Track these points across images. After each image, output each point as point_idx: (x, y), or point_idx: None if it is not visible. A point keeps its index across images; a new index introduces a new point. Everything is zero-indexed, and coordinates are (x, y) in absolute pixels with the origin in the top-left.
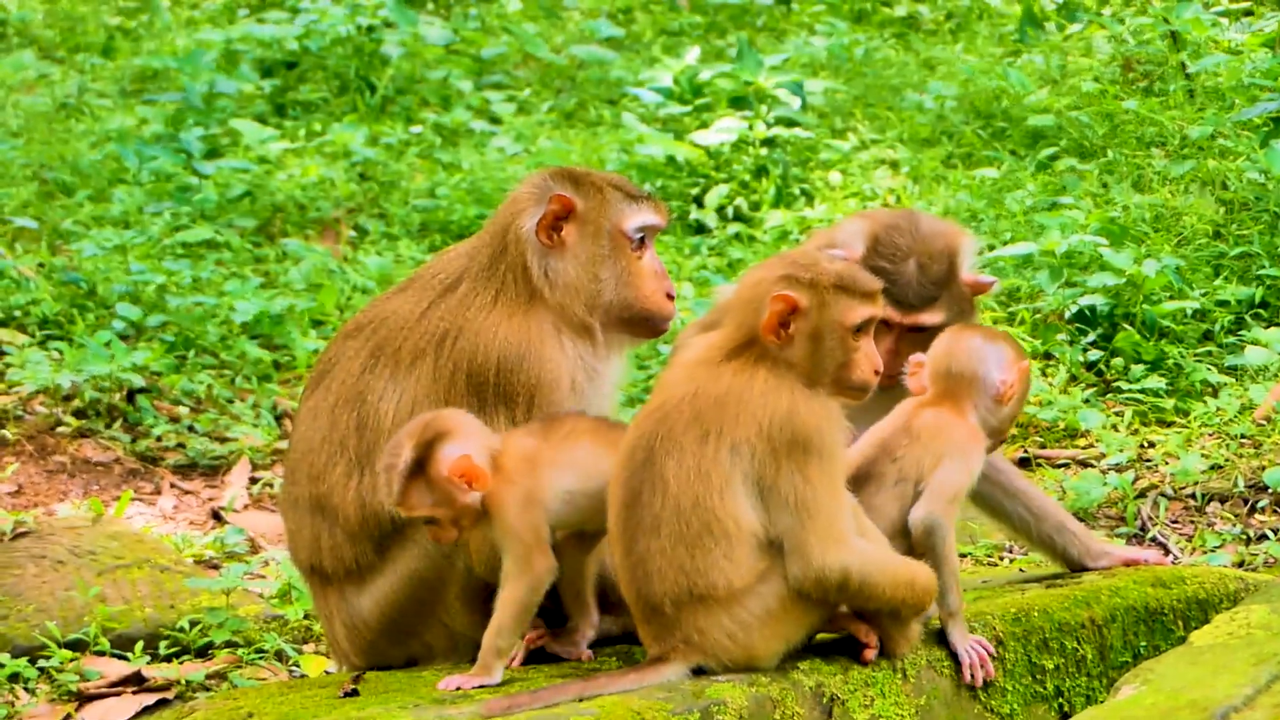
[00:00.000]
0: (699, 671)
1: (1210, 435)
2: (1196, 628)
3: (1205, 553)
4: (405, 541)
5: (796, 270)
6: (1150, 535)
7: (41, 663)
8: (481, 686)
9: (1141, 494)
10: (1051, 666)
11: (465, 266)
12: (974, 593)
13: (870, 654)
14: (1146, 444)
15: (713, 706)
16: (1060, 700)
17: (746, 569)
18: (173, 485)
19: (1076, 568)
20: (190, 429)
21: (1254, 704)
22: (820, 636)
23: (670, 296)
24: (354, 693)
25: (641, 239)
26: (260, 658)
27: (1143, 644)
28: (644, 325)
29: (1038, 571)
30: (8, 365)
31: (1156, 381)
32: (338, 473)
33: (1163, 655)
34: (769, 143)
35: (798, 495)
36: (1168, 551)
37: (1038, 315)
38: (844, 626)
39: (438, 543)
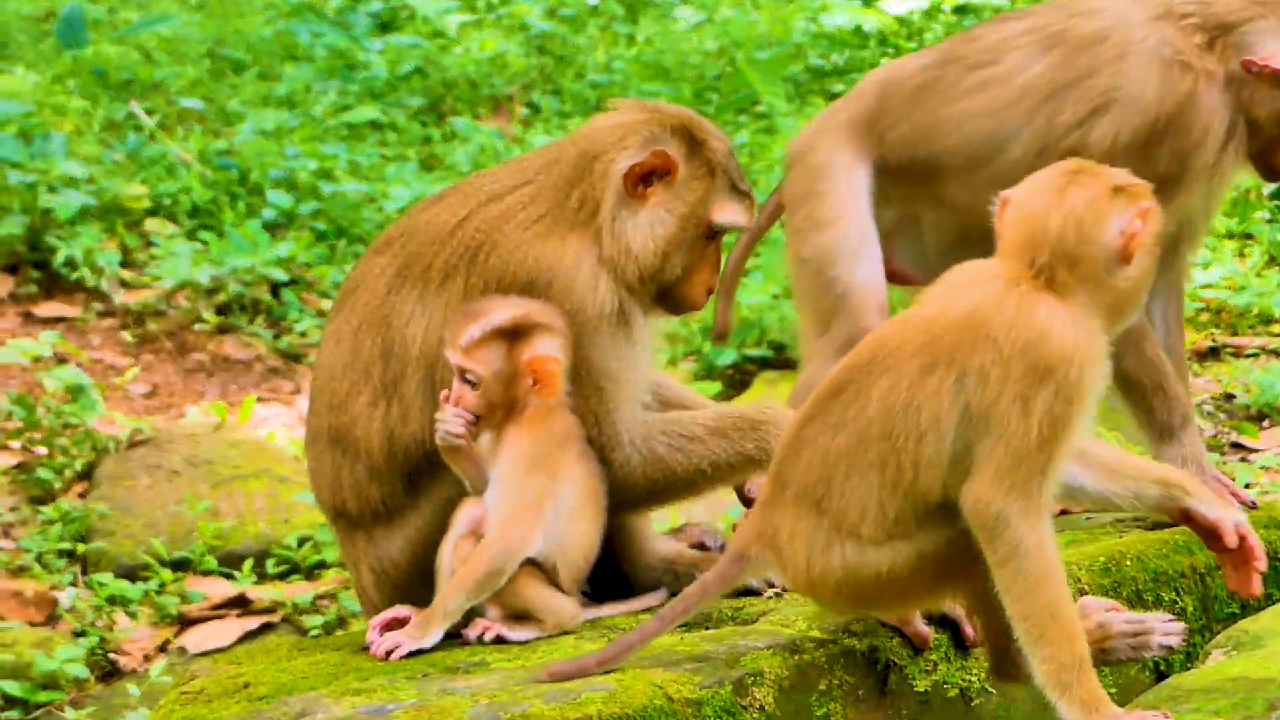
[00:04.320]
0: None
1: None
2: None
3: None
4: (438, 475)
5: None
6: None
7: (144, 584)
8: (417, 652)
9: None
10: None
11: (528, 178)
12: (1069, 534)
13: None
14: None
15: (747, 678)
16: (1156, 658)
17: (889, 526)
18: None
19: None
20: None
21: None
22: None
23: (709, 291)
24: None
25: (719, 233)
26: None
27: None
28: (669, 305)
29: None
30: (152, 257)
31: None
32: (361, 403)
33: (1259, 614)
34: (961, 10)
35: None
36: None
37: (1235, 192)
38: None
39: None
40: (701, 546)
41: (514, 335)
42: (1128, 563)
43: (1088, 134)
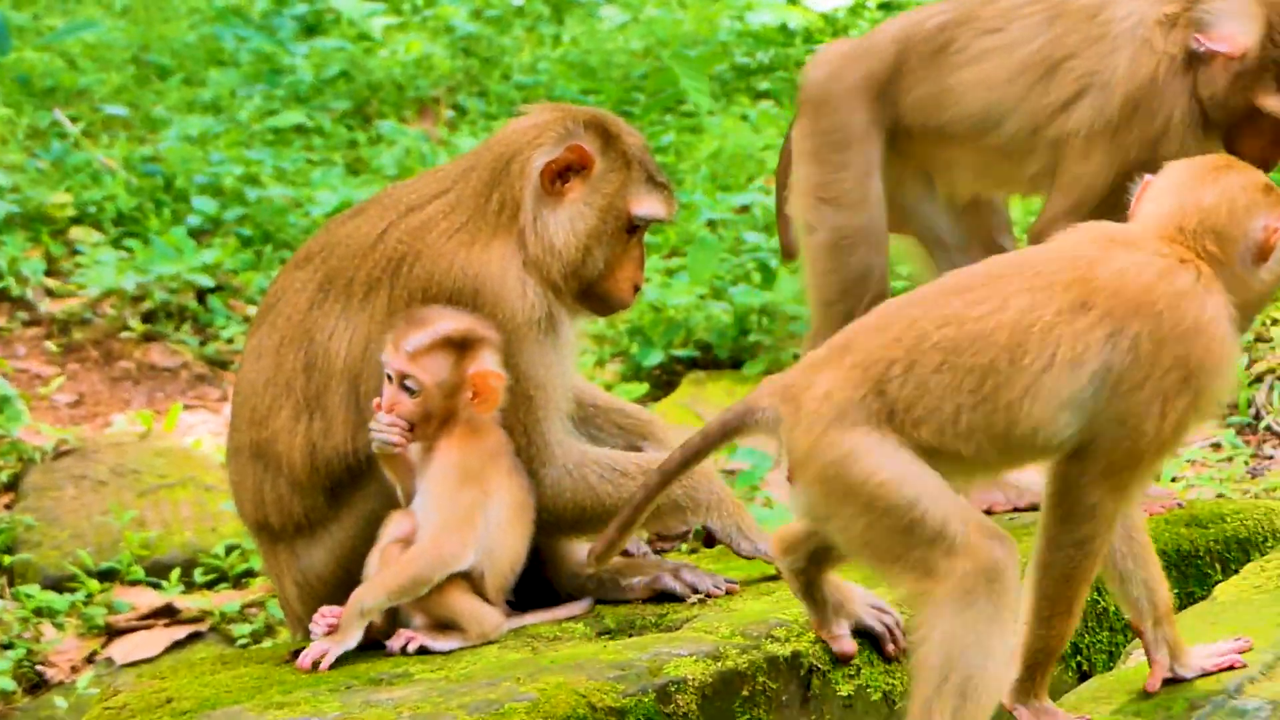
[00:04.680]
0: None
1: None
2: (1236, 570)
3: None
4: (360, 488)
5: None
6: (1265, 424)
7: (71, 595)
8: (342, 660)
9: (1258, 379)
10: None
11: (446, 186)
12: None
13: None
14: (1269, 321)
15: (670, 685)
16: (1078, 659)
17: (947, 436)
18: None
19: None
20: None
21: (1273, 672)
22: None
23: (636, 289)
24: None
25: (640, 227)
26: None
27: (1174, 591)
28: (596, 305)
29: None
30: (77, 265)
31: None
32: (283, 417)
33: (1180, 614)
34: (886, 7)
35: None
36: None
37: None
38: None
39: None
40: (625, 553)
41: (462, 346)
42: None
43: (1068, 119)
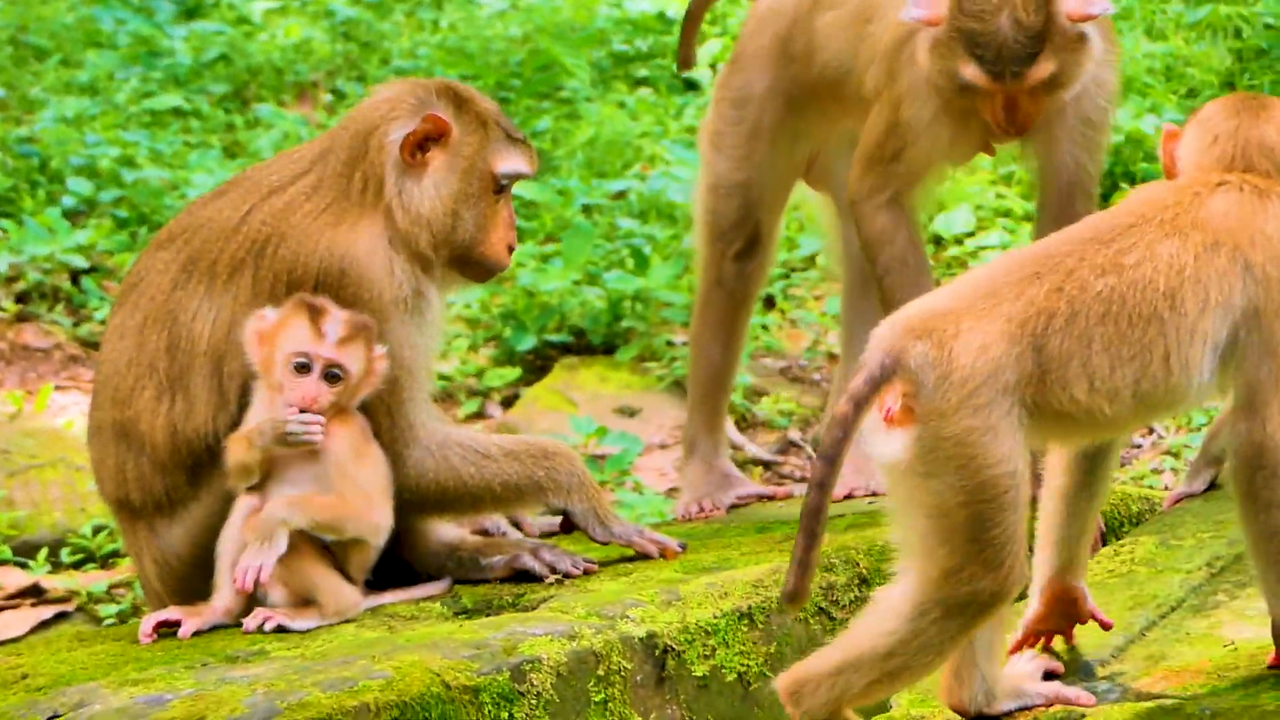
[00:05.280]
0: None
1: None
2: (1092, 554)
3: (1191, 431)
4: (220, 467)
5: None
6: None
7: None
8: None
9: None
10: None
11: (305, 168)
12: (853, 517)
13: None
14: None
15: (524, 664)
16: None
17: (1098, 395)
18: None
19: None
20: None
21: (1124, 655)
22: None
23: (510, 249)
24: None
25: (506, 185)
26: None
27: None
28: (475, 270)
29: None
30: None
31: None
32: (146, 397)
33: None
34: None
35: None
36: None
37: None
38: None
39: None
40: (484, 533)
41: (370, 333)
42: None
43: (868, 83)
